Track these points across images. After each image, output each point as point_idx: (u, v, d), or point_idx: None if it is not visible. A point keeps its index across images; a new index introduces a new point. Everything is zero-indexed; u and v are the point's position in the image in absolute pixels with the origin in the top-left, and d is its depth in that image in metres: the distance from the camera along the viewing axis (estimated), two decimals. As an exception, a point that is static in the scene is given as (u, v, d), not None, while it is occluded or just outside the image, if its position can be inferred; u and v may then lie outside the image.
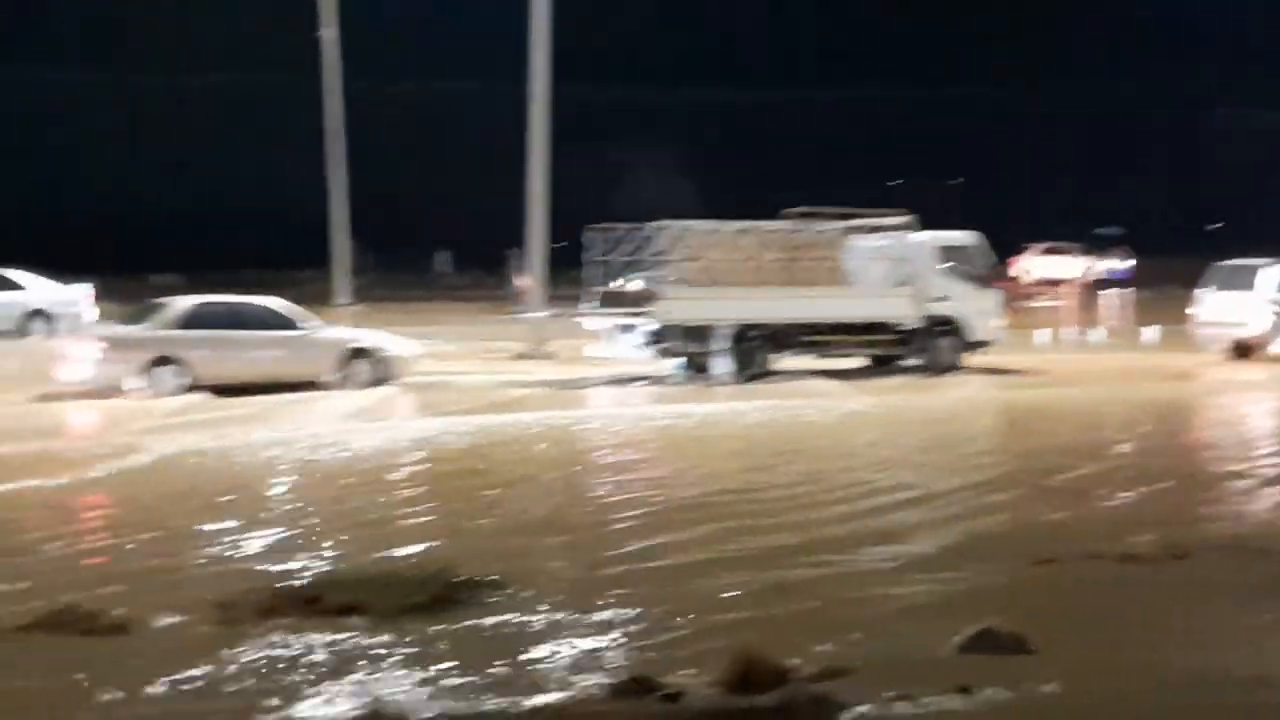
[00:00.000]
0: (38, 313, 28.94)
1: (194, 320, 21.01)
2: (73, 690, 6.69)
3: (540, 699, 6.56)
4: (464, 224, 53.85)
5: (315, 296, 28.98)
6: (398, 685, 6.76)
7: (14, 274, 30.04)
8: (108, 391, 19.92)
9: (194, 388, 20.18)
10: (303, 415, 18.70)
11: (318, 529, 10.95)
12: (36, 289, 29.82)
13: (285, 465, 14.71)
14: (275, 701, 6.51)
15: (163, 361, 20.32)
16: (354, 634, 7.63)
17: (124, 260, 48.49)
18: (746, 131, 65.55)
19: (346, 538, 10.52)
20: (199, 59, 60.58)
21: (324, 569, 9.37)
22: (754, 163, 59.12)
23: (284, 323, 21.60)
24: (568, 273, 27.59)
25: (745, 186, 45.83)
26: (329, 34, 31.33)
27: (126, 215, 54.91)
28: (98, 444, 16.00)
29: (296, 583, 8.81)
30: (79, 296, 29.99)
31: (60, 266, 46.76)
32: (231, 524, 11.06)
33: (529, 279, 28.99)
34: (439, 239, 56.76)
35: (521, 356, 26.55)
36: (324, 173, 31.43)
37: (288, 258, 48.50)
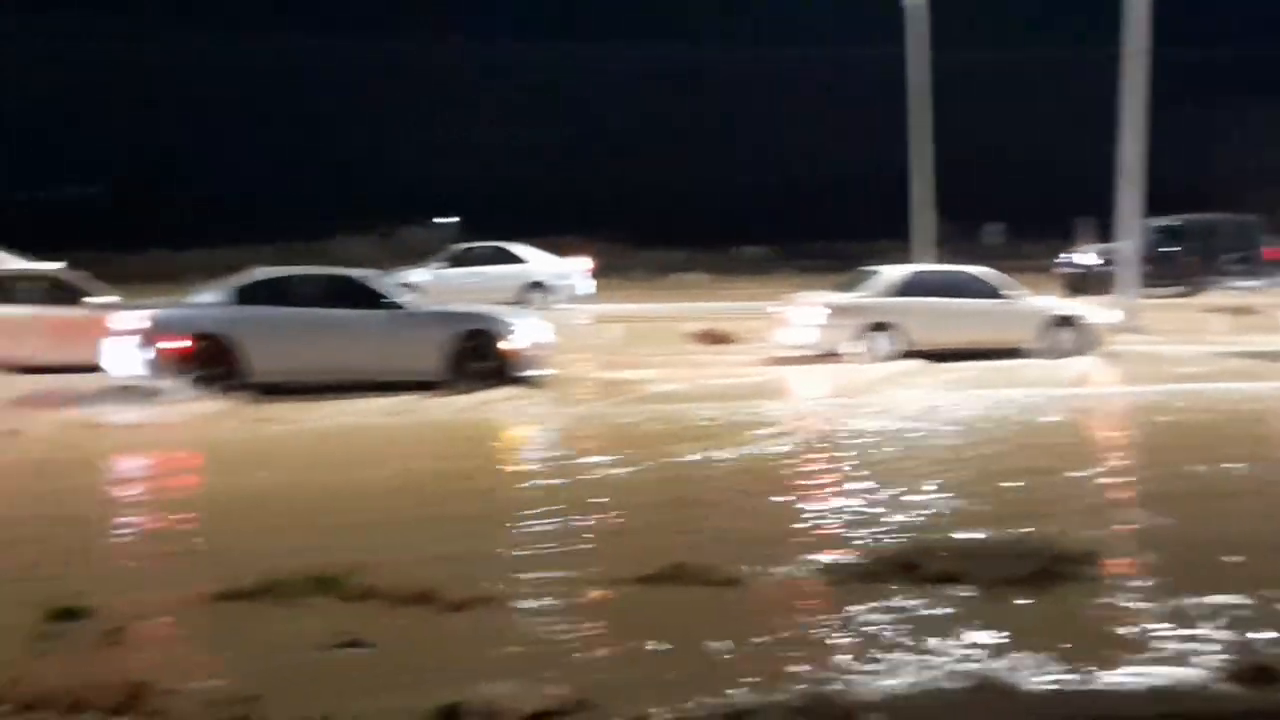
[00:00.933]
0: (536, 284, 30.99)
1: (909, 288, 21.79)
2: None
3: (1150, 678, 6.36)
4: (1018, 194, 52.60)
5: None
6: (1001, 657, 6.68)
7: (518, 248, 32.62)
8: (827, 356, 20.97)
9: (907, 353, 20.90)
10: (1014, 381, 18.81)
11: (954, 495, 10.95)
12: (537, 262, 32.23)
13: (968, 430, 14.76)
14: (882, 664, 6.60)
15: (879, 327, 21.14)
16: (955, 603, 7.61)
17: (712, 233, 50.63)
18: None
19: (978, 504, 10.49)
20: (781, 31, 62.05)
21: (934, 535, 9.35)
22: None
23: (990, 291, 22.11)
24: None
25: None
26: (915, 1, 31.29)
27: (715, 189, 57.12)
28: (837, 405, 16.80)
29: (899, 549, 8.83)
30: (574, 270, 32.35)
31: (646, 239, 49.45)
32: (869, 485, 11.33)
33: (1115, 251, 27.97)
34: (991, 209, 55.38)
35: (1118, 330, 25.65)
36: (903, 144, 31.58)
37: (865, 229, 49.03)
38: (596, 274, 32.63)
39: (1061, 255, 35.63)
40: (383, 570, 8.06)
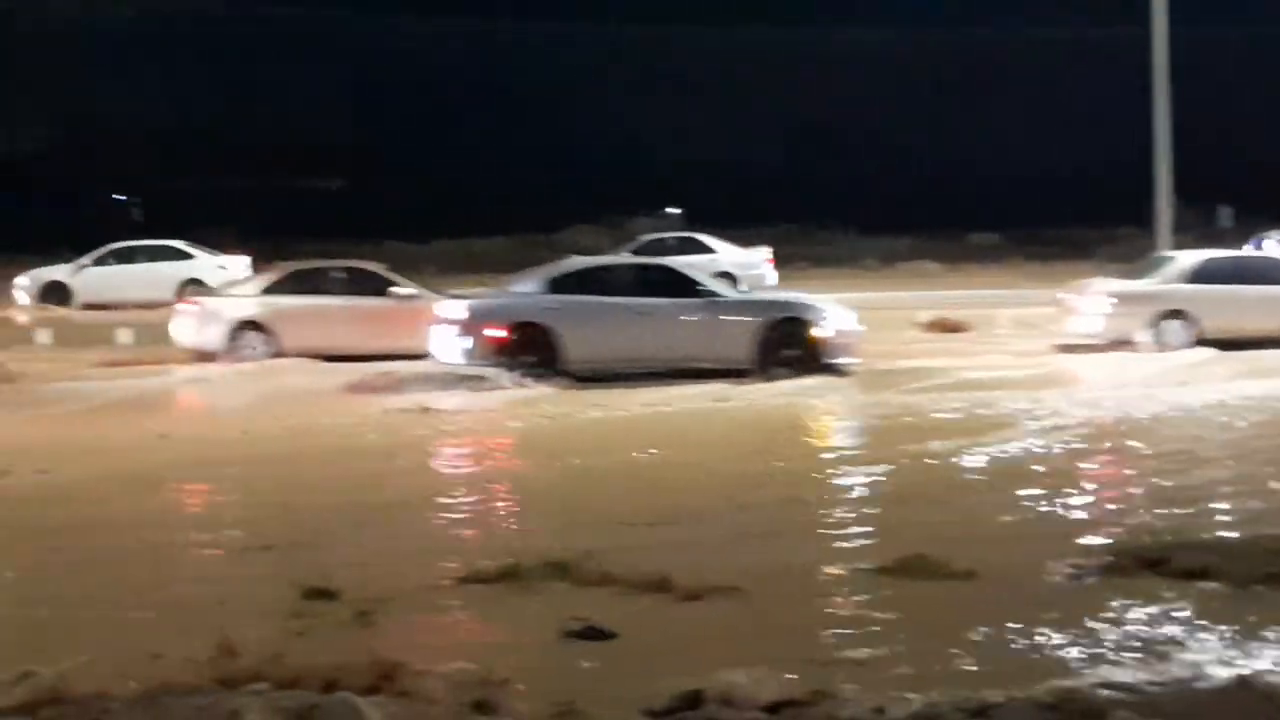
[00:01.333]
0: (724, 274, 30.95)
1: (1202, 274, 21.06)
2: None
3: None
4: (1250, 176, 50.47)
5: (1130, 257, 28.24)
6: (1255, 657, 6.49)
7: (706, 238, 33.53)
8: (1116, 345, 20.30)
9: (1200, 342, 20.21)
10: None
11: (1219, 489, 10.67)
12: (725, 252, 32.97)
13: (1252, 422, 14.19)
14: (1131, 661, 6.46)
15: (1170, 315, 20.52)
16: (1205, 600, 7.40)
17: (939, 220, 49.88)
18: None
19: (1244, 500, 10.21)
20: (1018, 11, 60.72)
21: (1190, 530, 9.13)
22: None
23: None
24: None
25: None
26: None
27: (945, 175, 56.25)
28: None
29: (1149, 544, 8.60)
30: (760, 259, 33.05)
31: (875, 225, 48.95)
32: (1131, 478, 11.19)
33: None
34: (1223, 192, 53.13)
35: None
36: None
37: (1102, 215, 47.77)
38: (796, 262, 32.65)
39: (1249, 243, 34.37)
40: (629, 556, 8.22)
